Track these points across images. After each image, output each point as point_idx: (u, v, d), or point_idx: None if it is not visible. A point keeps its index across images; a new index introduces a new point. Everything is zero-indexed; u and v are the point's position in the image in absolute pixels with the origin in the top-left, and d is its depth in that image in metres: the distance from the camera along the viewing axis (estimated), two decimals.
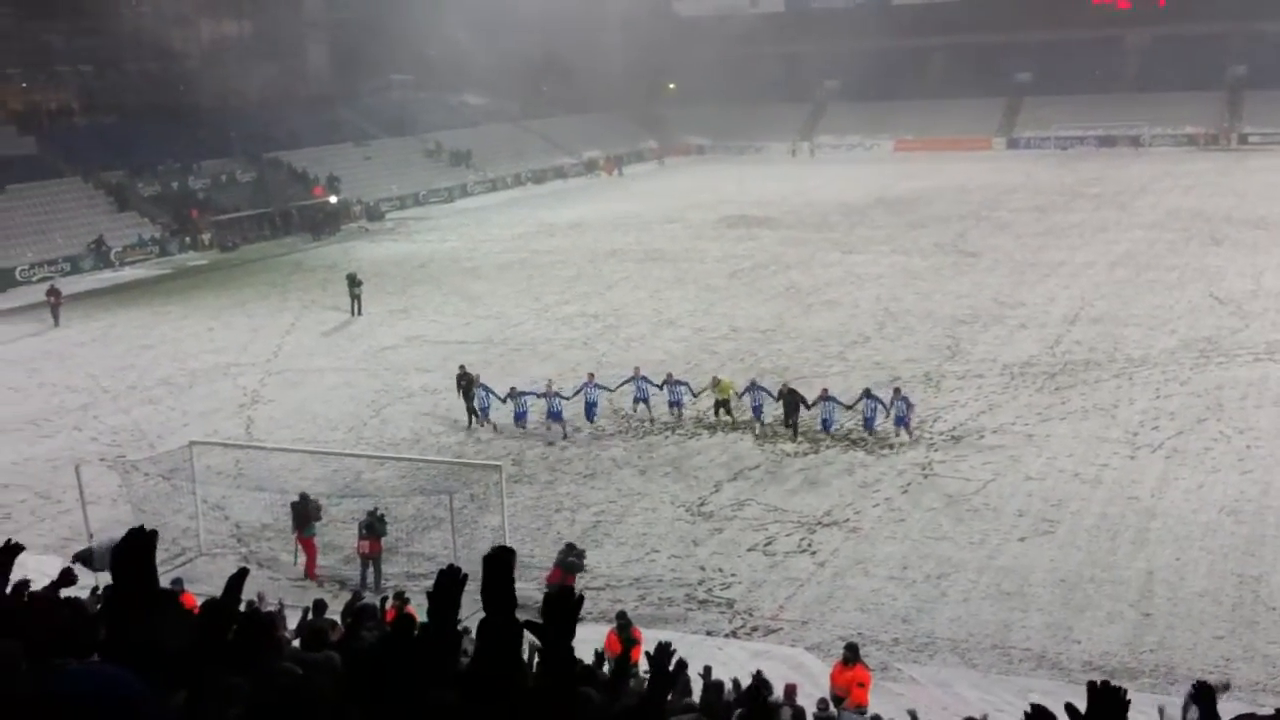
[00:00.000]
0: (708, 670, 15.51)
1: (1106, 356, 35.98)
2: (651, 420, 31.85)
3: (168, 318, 48.21)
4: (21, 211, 61.93)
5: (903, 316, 42.22)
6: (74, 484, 24.91)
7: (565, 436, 30.91)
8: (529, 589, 21.79)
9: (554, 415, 31.02)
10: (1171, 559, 22.21)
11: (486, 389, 31.79)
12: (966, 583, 21.65)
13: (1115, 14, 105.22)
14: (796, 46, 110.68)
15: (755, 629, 20.38)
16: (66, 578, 9.45)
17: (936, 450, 28.64)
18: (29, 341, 44.95)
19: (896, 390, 29.96)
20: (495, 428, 31.49)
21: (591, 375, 32.26)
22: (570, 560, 20.61)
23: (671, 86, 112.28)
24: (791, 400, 30.35)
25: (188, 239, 66.17)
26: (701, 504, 25.99)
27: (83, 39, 77.62)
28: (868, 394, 29.89)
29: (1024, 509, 24.86)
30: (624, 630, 18.30)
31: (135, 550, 3.43)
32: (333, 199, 73.67)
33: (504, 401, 31.42)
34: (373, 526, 22.47)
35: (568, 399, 31.26)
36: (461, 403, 32.31)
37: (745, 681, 15.80)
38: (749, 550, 23.56)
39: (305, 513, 23.29)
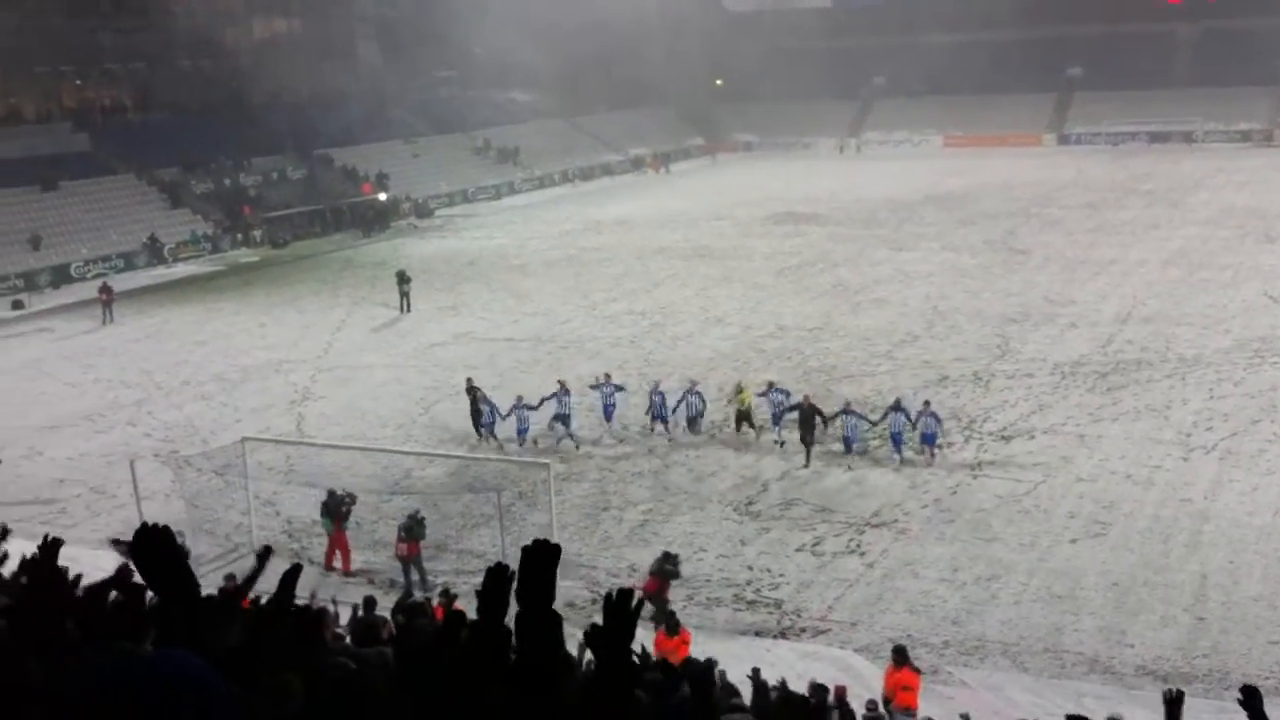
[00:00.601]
0: (756, 671, 15.51)
1: (1159, 356, 35.62)
2: (669, 440, 30.46)
3: (220, 314, 48.70)
4: (76, 208, 62.70)
5: (952, 315, 41.97)
6: (128, 479, 25.26)
7: (573, 443, 30.23)
8: (576, 587, 21.95)
9: (561, 419, 30.37)
10: (1225, 562, 21.99)
11: (491, 404, 30.82)
12: (1017, 585, 21.53)
13: (1167, 8, 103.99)
14: (844, 42, 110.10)
15: (804, 630, 20.37)
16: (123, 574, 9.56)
17: (986, 451, 28.46)
18: (84, 338, 45.54)
19: (925, 404, 28.61)
20: (500, 445, 30.45)
21: (561, 383, 30.95)
22: (668, 568, 20.46)
23: (719, 83, 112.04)
24: (809, 416, 28.60)
25: (239, 235, 66.83)
26: (749, 503, 25.98)
27: (135, 36, 78.35)
28: (896, 407, 28.52)
29: (1075, 511, 24.67)
30: (672, 630, 18.35)
31: (146, 549, 3.43)
32: (382, 196, 74.11)
33: (504, 418, 30.31)
34: (411, 529, 22.60)
35: (534, 408, 30.08)
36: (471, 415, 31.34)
37: (793, 682, 15.81)
38: (797, 550, 23.53)
39: (335, 508, 23.54)
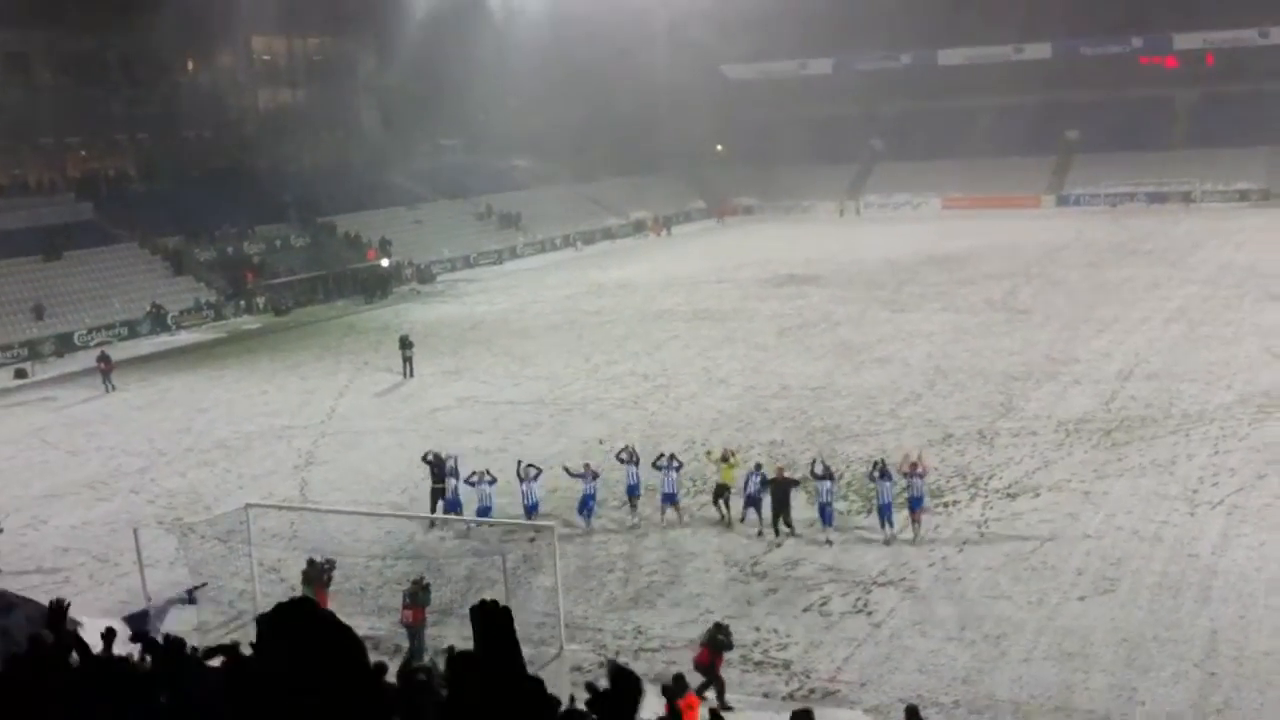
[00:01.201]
0: None
1: (1163, 412, 35.58)
2: (636, 521, 28.57)
3: (223, 381, 48.75)
4: (80, 277, 63.01)
5: (954, 374, 41.99)
6: (132, 547, 25.16)
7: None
8: (582, 650, 21.82)
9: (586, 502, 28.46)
10: (1235, 617, 21.82)
11: (457, 478, 29.28)
12: (1027, 643, 21.35)
13: (1165, 73, 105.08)
14: (843, 107, 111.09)
15: (813, 691, 20.17)
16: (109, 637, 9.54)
17: (992, 508, 28.34)
18: (87, 406, 45.56)
19: (913, 466, 26.97)
20: (468, 528, 28.67)
21: (588, 466, 29.23)
22: (720, 639, 20.06)
23: (719, 148, 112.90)
24: (781, 492, 27.04)
25: (242, 303, 67.09)
26: (755, 563, 25.83)
27: (140, 107, 79.14)
28: (881, 474, 26.77)
29: (1083, 567, 24.53)
30: (678, 692, 18.16)
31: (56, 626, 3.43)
32: (385, 262, 74.45)
33: (464, 484, 28.94)
34: (416, 596, 22.43)
35: (493, 482, 28.65)
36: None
37: None
38: (804, 610, 23.37)
39: (315, 576, 23.46)
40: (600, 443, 35.65)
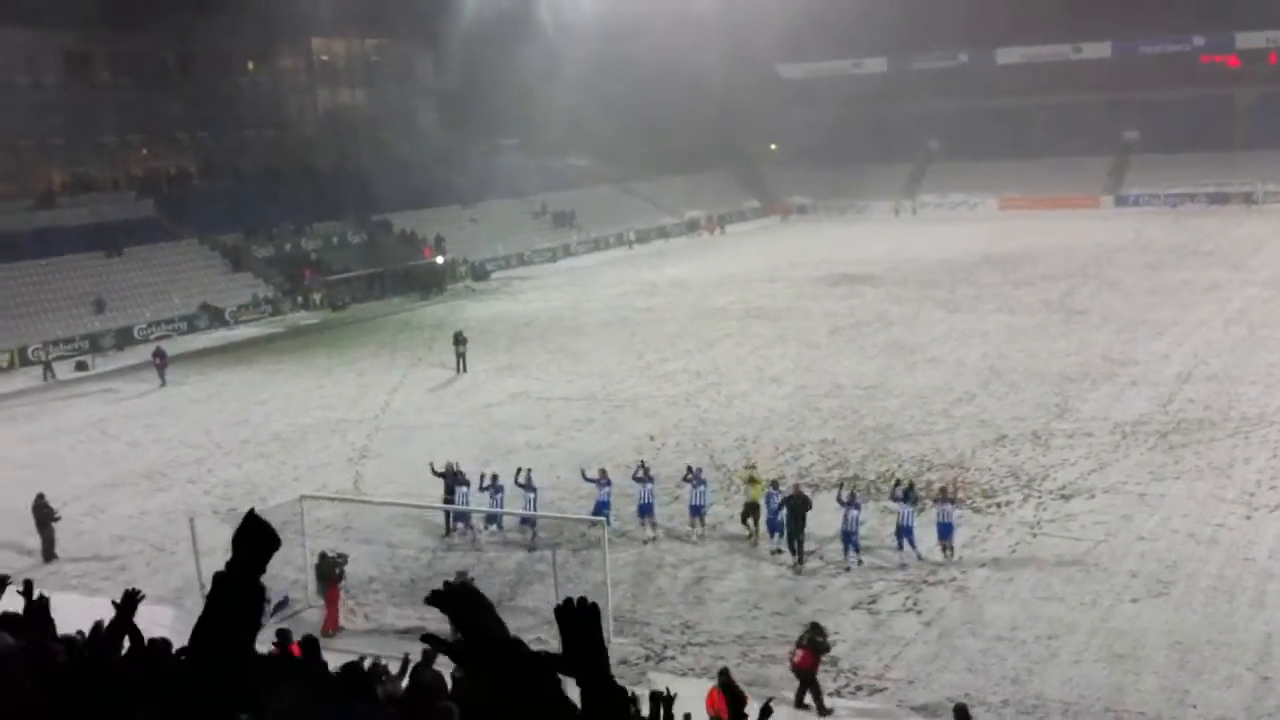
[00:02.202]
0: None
1: (1221, 415, 35.14)
2: (654, 536, 27.56)
3: (280, 375, 49.28)
4: (140, 272, 63.93)
5: (1009, 374, 41.67)
6: (188, 536, 25.52)
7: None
8: (629, 644, 21.92)
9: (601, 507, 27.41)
10: None
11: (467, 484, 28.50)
12: (1078, 644, 21.19)
13: (1224, 71, 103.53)
14: (899, 106, 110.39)
15: (860, 688, 20.13)
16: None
17: (1045, 509, 28.13)
18: (145, 398, 46.21)
19: (943, 491, 26.37)
20: (474, 539, 28.19)
21: (603, 471, 28.52)
22: (819, 640, 19.98)
23: (774, 147, 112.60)
24: (797, 510, 25.62)
25: (300, 298, 67.77)
26: (811, 555, 25.76)
27: (201, 107, 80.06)
28: (906, 496, 25.66)
29: (1137, 570, 24.30)
30: (727, 689, 18.17)
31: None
32: (439, 259, 74.91)
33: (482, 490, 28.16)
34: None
35: (501, 490, 27.98)
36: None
37: None
38: (853, 608, 23.31)
39: (328, 570, 23.69)
40: (651, 439, 35.76)
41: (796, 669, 19.69)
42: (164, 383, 47.81)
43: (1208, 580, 23.58)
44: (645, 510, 27.76)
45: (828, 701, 19.52)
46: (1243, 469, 30.23)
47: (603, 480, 28.08)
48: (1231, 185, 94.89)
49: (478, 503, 28.32)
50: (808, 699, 19.55)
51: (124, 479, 35.01)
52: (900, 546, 25.41)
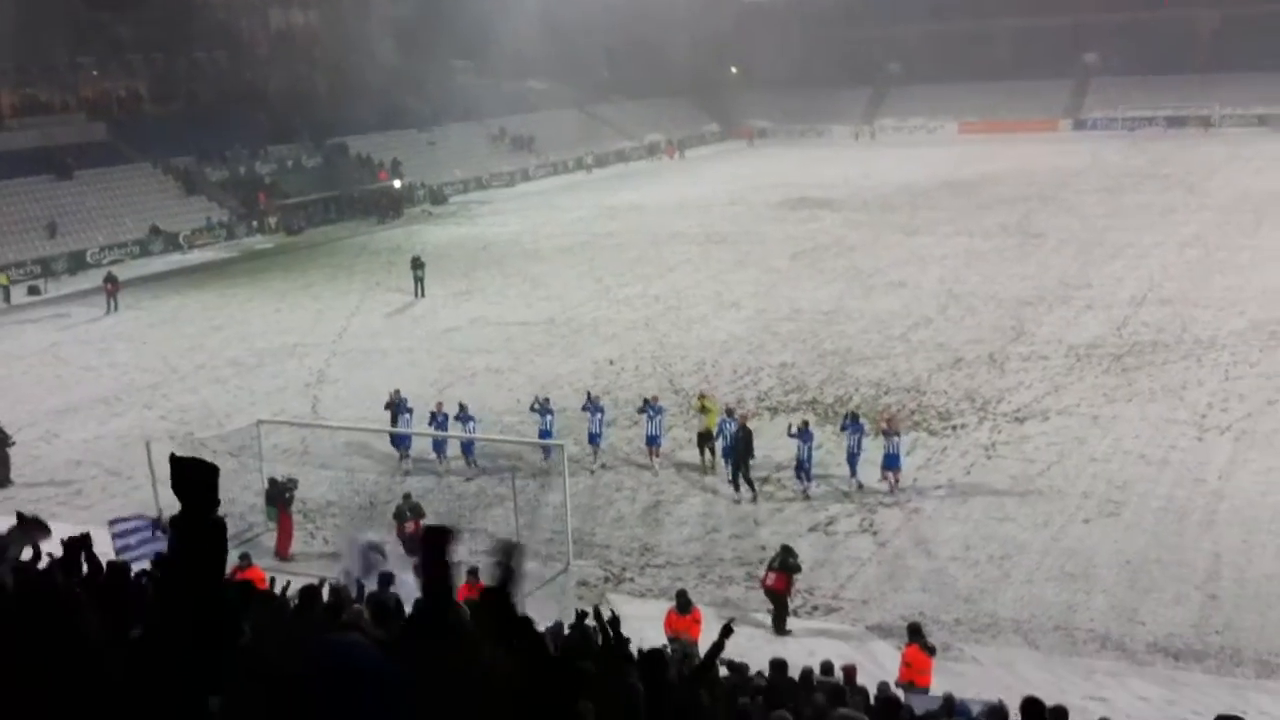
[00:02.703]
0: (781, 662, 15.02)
1: (1175, 338, 35.48)
2: (600, 465, 27.43)
3: (235, 300, 48.84)
4: (92, 196, 62.94)
5: (966, 298, 41.88)
6: (144, 461, 25.32)
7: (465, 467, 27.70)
8: (589, 566, 22.10)
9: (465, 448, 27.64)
10: (1239, 541, 21.91)
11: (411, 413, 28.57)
12: (1030, 564, 21.49)
13: None
14: (860, 30, 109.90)
15: (816, 608, 20.36)
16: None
17: (1000, 432, 28.39)
18: (100, 323, 45.71)
19: (890, 422, 25.92)
20: (408, 467, 27.92)
21: (591, 395, 28.55)
22: (790, 562, 20.14)
23: (734, 70, 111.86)
24: (739, 445, 25.28)
25: (255, 223, 67.03)
26: (764, 481, 25.93)
27: (153, 28, 78.50)
28: (853, 424, 25.51)
29: (1089, 490, 24.61)
30: (684, 609, 18.36)
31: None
32: (396, 183, 74.23)
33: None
34: (416, 509, 22.84)
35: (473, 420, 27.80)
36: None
37: (805, 660, 15.83)
38: (810, 530, 23.51)
39: (278, 495, 23.70)
40: (610, 363, 35.77)
41: (770, 591, 19.90)
42: (116, 308, 47.21)
43: (1158, 501, 23.92)
44: (594, 439, 27.70)
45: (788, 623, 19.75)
46: (1195, 391, 30.58)
47: (546, 408, 27.93)
48: (1189, 109, 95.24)
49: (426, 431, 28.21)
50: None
51: (79, 404, 34.69)
52: (852, 474, 25.45)
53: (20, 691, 3.42)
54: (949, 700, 14.10)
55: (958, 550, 22.20)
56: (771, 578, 19.92)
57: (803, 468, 25.34)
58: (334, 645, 2.88)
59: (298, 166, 74.26)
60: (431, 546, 3.30)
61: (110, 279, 48.51)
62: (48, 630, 3.66)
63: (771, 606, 19.90)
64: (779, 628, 19.64)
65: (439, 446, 27.90)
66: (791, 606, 20.17)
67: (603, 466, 27.44)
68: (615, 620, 8.31)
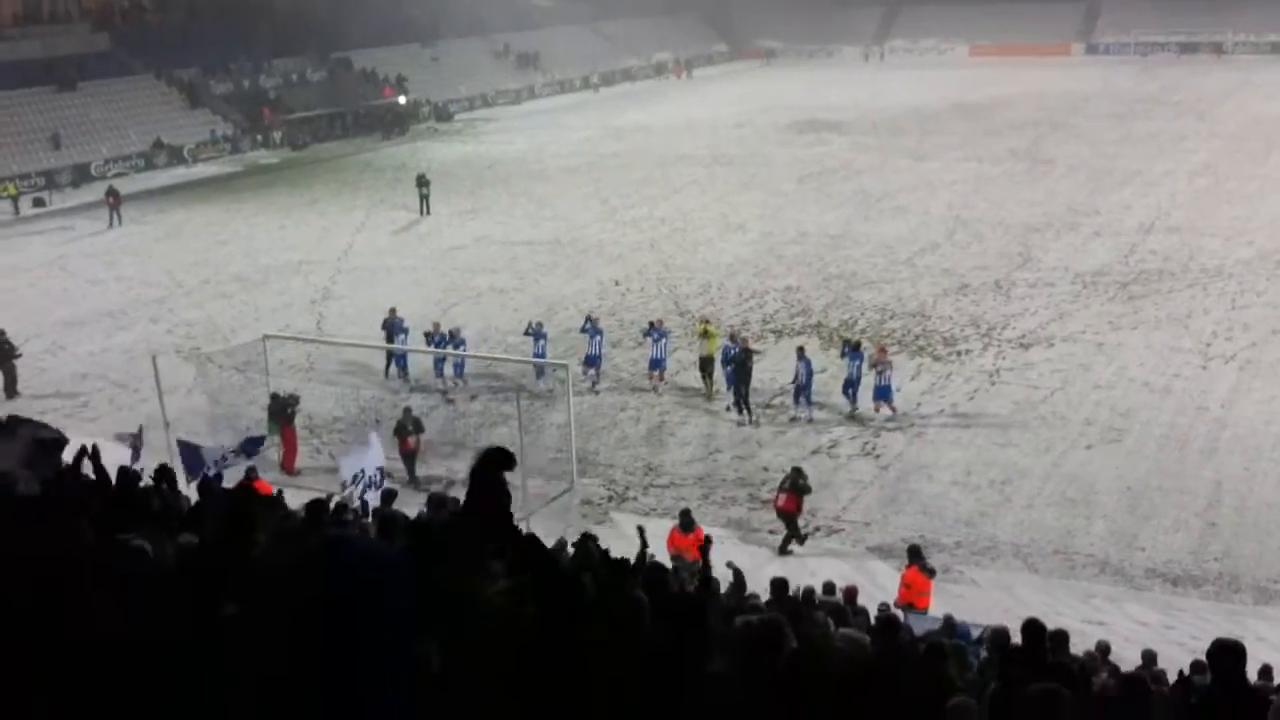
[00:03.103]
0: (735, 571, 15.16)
1: (1181, 266, 35.40)
2: (594, 387, 27.35)
3: (240, 214, 48.68)
4: (96, 108, 62.46)
5: (974, 224, 41.71)
6: (150, 374, 25.40)
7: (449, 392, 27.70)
8: (593, 485, 22.25)
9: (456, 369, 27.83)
10: (1240, 469, 22.05)
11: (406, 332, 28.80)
12: (1031, 489, 21.64)
13: None
14: None
15: (818, 529, 20.52)
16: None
17: (1004, 358, 28.43)
18: (105, 236, 45.59)
19: (880, 353, 25.72)
20: (408, 383, 28.11)
21: (591, 318, 28.26)
22: (800, 483, 20.29)
23: None
24: (743, 362, 25.48)
25: (259, 137, 66.62)
26: (766, 406, 26.02)
27: None
28: (854, 350, 25.52)
29: (1092, 417, 24.70)
30: (687, 528, 18.51)
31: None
32: (401, 99, 73.65)
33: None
34: (418, 423, 22.97)
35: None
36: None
37: (807, 581, 15.98)
38: (813, 453, 23.63)
39: (279, 410, 23.78)
40: (616, 284, 35.74)
41: (781, 511, 20.09)
42: (120, 222, 47.03)
43: (1161, 429, 24.02)
44: (593, 362, 27.67)
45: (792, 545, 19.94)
46: (1200, 320, 30.57)
47: (539, 333, 27.85)
48: (1202, 35, 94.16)
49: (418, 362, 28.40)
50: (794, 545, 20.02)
51: (85, 317, 34.74)
52: (851, 402, 25.43)
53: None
54: (949, 621, 14.26)
55: (959, 475, 22.34)
56: (782, 499, 20.12)
57: (802, 392, 25.39)
58: (356, 545, 2.90)
59: (302, 80, 73.61)
60: (486, 468, 3.28)
61: (112, 192, 48.24)
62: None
63: (785, 527, 20.13)
64: (783, 547, 19.83)
65: (438, 365, 27.97)
66: (801, 526, 20.33)
67: (595, 389, 27.33)
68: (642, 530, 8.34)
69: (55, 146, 57.97)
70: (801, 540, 20.01)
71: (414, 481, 22.29)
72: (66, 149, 58.31)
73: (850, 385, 25.44)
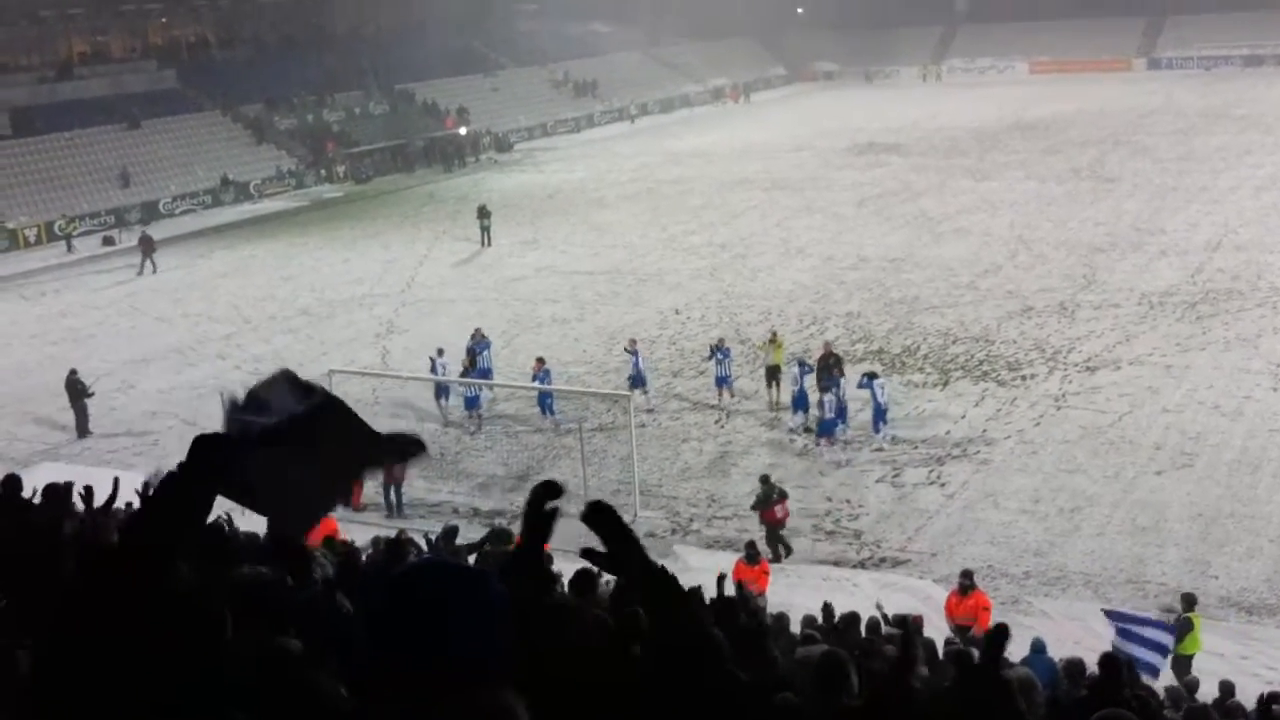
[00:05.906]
0: (828, 606, 15.29)
1: (1250, 285, 34.88)
2: (649, 410, 27.70)
3: (306, 249, 49.30)
4: (164, 145, 63.53)
5: (1037, 244, 41.36)
6: (218, 411, 25.47)
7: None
8: (657, 517, 22.26)
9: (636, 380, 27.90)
10: None
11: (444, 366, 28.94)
12: (1101, 516, 21.38)
13: None
14: None
15: (883, 560, 20.41)
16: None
17: (1070, 382, 28.14)
18: (173, 273, 46.26)
19: (872, 375, 25.78)
20: (445, 417, 28.37)
21: (633, 342, 28.99)
22: (780, 489, 21.00)
23: (800, 11, 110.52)
24: (831, 368, 26.05)
25: (323, 171, 67.42)
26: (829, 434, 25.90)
27: None
28: (871, 379, 25.57)
29: (1161, 442, 24.37)
30: (752, 560, 18.48)
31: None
32: (463, 130, 74.28)
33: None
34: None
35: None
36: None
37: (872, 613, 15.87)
38: (877, 481, 23.52)
39: None
40: (676, 313, 35.80)
41: (773, 524, 20.53)
42: (154, 269, 45.85)
43: (1232, 453, 23.66)
44: (638, 382, 27.86)
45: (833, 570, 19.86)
46: (1270, 340, 30.09)
47: (725, 351, 28.27)
48: (1267, 47, 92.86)
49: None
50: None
51: (154, 354, 35.30)
52: (876, 430, 25.32)
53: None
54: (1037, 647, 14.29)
55: (1027, 503, 22.12)
56: (779, 511, 20.66)
57: (843, 415, 25.41)
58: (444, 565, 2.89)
59: (365, 114, 74.48)
60: (539, 499, 3.24)
61: (145, 239, 47.56)
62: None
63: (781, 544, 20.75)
64: (777, 557, 20.32)
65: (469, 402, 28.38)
66: (857, 559, 20.23)
67: (650, 410, 27.74)
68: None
69: (124, 184, 59.00)
70: (789, 550, 20.49)
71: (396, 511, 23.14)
72: (135, 187, 59.35)
73: (878, 415, 25.30)
